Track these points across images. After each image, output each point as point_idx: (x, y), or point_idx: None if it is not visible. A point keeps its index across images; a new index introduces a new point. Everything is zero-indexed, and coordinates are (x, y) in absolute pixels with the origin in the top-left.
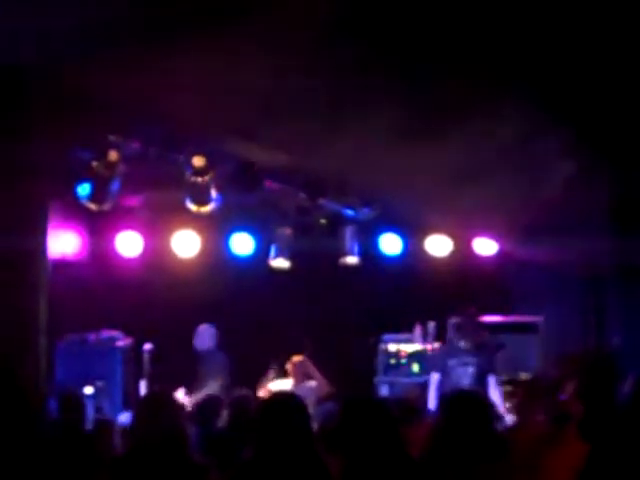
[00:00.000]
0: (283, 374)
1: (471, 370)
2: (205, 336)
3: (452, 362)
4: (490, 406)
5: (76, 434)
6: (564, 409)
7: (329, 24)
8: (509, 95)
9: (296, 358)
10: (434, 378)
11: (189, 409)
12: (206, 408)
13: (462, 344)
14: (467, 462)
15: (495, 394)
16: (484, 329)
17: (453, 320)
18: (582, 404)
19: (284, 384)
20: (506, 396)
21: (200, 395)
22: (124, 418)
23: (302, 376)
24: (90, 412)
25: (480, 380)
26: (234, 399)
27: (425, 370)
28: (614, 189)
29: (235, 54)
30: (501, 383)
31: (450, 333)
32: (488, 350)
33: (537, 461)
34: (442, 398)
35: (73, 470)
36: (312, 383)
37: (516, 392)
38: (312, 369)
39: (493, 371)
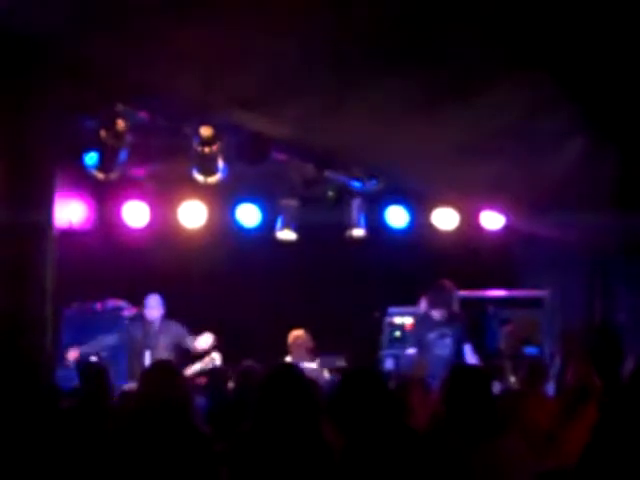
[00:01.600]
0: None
1: (448, 341)
2: (154, 306)
3: (431, 335)
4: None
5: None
6: (574, 384)
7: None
8: (517, 71)
9: (296, 332)
10: (410, 352)
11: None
12: (214, 379)
13: (436, 316)
14: (470, 437)
15: (473, 362)
16: (455, 300)
17: (428, 294)
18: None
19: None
20: (511, 371)
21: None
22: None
23: (302, 351)
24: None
25: (457, 350)
26: (240, 370)
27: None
28: (620, 166)
29: (241, 25)
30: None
31: (425, 306)
32: (461, 320)
33: (552, 438)
34: (448, 372)
35: (90, 439)
36: (313, 364)
37: (521, 367)
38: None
39: (468, 340)
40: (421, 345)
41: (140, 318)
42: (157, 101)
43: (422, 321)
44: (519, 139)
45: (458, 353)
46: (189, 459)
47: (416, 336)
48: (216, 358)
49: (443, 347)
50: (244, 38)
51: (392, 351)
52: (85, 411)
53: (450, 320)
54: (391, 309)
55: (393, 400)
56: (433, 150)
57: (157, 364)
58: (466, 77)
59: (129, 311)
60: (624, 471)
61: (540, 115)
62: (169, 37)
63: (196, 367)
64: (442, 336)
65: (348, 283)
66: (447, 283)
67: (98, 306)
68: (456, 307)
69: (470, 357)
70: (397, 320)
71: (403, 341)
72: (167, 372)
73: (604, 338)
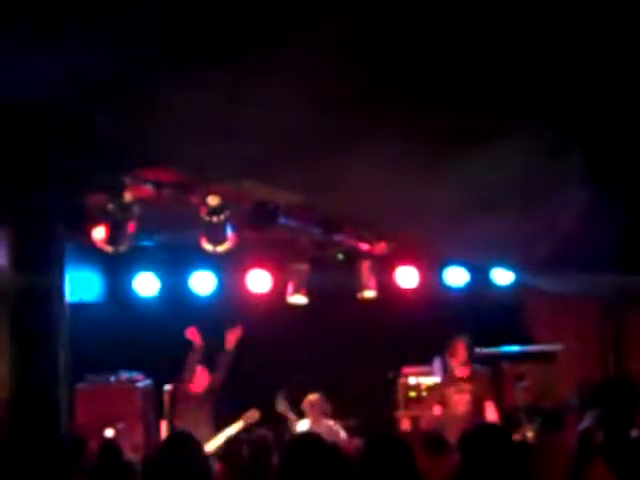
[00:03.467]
0: (300, 414)
1: (467, 397)
2: None
3: (449, 391)
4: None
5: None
6: (587, 439)
7: (341, 60)
8: (522, 124)
9: (312, 397)
10: (436, 410)
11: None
12: (230, 447)
13: (457, 373)
14: None
15: (493, 420)
16: (473, 358)
17: (449, 350)
18: (604, 432)
19: (302, 424)
20: (527, 425)
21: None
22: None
23: (319, 415)
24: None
25: (477, 407)
26: (253, 438)
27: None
28: (630, 219)
29: (244, 94)
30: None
31: (448, 362)
32: (482, 377)
33: None
34: (463, 434)
35: None
36: (330, 422)
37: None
38: (328, 408)
39: (489, 397)
40: (440, 401)
41: (154, 389)
42: (163, 172)
43: (443, 378)
44: (524, 192)
45: (478, 410)
46: None
47: (435, 393)
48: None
49: (460, 403)
50: (248, 107)
51: (408, 412)
52: None
53: (470, 377)
54: (405, 369)
55: (415, 467)
56: (439, 209)
57: (174, 434)
58: (470, 134)
59: (143, 382)
60: None
61: (546, 169)
62: (173, 108)
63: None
64: (460, 392)
65: (361, 345)
66: (464, 338)
67: (112, 377)
68: (475, 364)
69: (491, 415)
70: (411, 380)
71: (418, 401)
72: (184, 442)
73: (619, 388)
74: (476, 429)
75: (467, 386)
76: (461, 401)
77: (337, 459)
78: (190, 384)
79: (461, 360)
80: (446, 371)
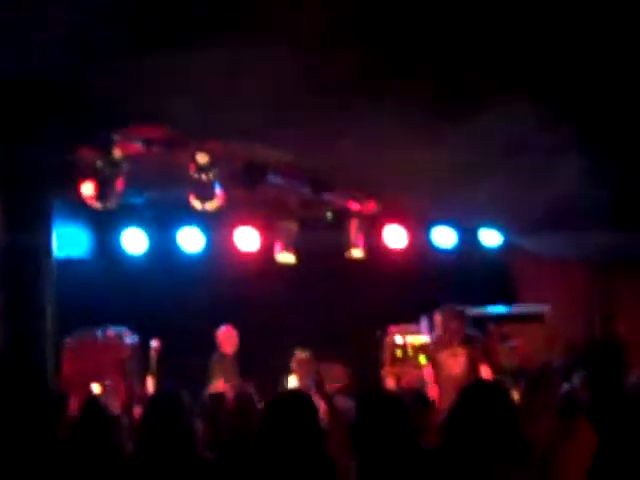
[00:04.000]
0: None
1: (462, 360)
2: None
3: (442, 355)
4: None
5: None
6: (572, 400)
7: (331, 26)
8: (514, 91)
9: (300, 355)
10: (426, 373)
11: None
12: (211, 404)
13: (449, 339)
14: (485, 457)
15: None
16: (468, 322)
17: (436, 318)
18: (590, 394)
19: (290, 381)
20: (514, 387)
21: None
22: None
23: (306, 373)
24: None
25: (472, 369)
26: (236, 394)
27: None
28: (620, 183)
29: (236, 54)
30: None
31: (437, 330)
32: (476, 340)
33: (549, 455)
34: (463, 389)
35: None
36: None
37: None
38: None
39: (484, 361)
40: (431, 363)
41: (141, 344)
42: (153, 129)
43: (435, 340)
44: (516, 157)
45: (474, 373)
46: None
47: (428, 355)
48: None
49: (455, 366)
50: (239, 66)
51: (394, 370)
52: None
53: (464, 341)
54: (392, 328)
55: (409, 423)
56: (430, 170)
57: (160, 393)
58: (463, 97)
59: (130, 338)
60: None
61: (539, 133)
62: (165, 66)
63: None
64: (454, 355)
65: (348, 303)
66: (456, 310)
67: (99, 333)
68: (468, 330)
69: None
70: (398, 339)
71: (404, 360)
72: (170, 401)
73: (605, 351)
74: (477, 383)
75: (461, 350)
76: (456, 364)
77: (316, 417)
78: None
79: (454, 331)
80: (438, 334)
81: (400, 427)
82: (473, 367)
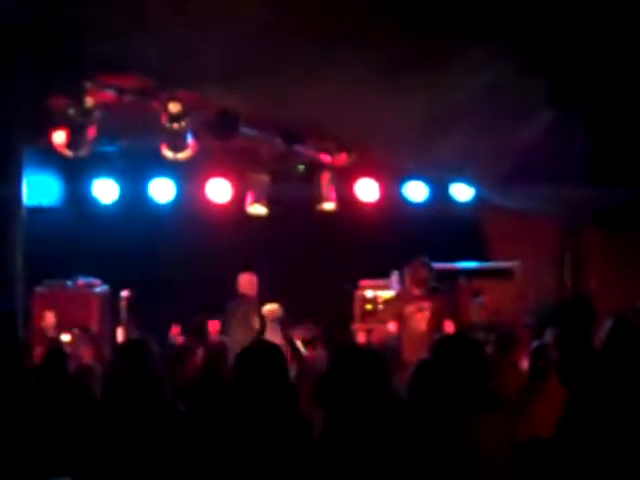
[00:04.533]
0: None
1: (427, 315)
2: None
3: (410, 309)
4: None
5: (60, 381)
6: (542, 356)
7: None
8: (487, 42)
9: (270, 306)
10: (392, 326)
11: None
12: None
13: (416, 292)
14: (454, 408)
15: None
16: (435, 275)
17: (407, 268)
18: (559, 350)
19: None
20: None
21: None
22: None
23: (276, 324)
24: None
25: (437, 324)
26: (209, 345)
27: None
28: (591, 137)
29: (208, 1)
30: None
31: (406, 280)
32: (441, 295)
33: (519, 410)
34: (435, 341)
35: (57, 416)
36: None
37: (492, 339)
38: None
39: (449, 316)
40: (397, 319)
41: (111, 295)
42: (126, 78)
43: (401, 295)
44: (488, 110)
45: (438, 328)
46: (164, 436)
47: (392, 309)
48: None
49: (421, 320)
50: (213, 13)
51: (364, 324)
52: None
53: (429, 295)
54: (362, 282)
55: (383, 376)
56: (402, 123)
57: (129, 341)
58: (433, 49)
59: (100, 288)
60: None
61: (508, 86)
62: (137, 12)
63: None
64: (420, 310)
65: (319, 257)
66: (424, 260)
67: (69, 283)
68: (435, 282)
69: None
70: (368, 294)
71: (374, 314)
72: (139, 348)
73: (576, 308)
74: (452, 336)
75: (427, 304)
76: (422, 319)
77: (285, 368)
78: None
79: (421, 279)
80: (403, 287)
81: (375, 379)
82: (438, 322)
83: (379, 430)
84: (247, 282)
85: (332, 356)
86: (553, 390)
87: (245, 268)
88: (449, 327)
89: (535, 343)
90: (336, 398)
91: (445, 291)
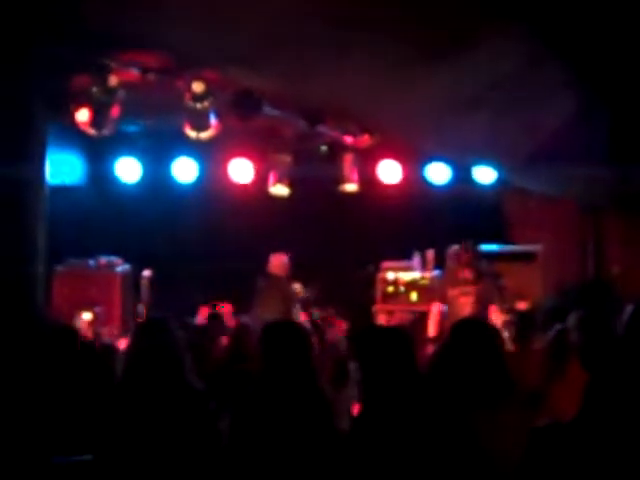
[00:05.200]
0: None
1: (472, 299)
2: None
3: (454, 292)
4: (499, 336)
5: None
6: (562, 340)
7: None
8: (510, 27)
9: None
10: (435, 308)
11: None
12: (201, 336)
13: (462, 275)
14: (470, 396)
15: (497, 323)
16: (482, 259)
17: (452, 251)
18: (582, 334)
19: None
20: (505, 325)
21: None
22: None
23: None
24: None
25: (482, 309)
26: (235, 326)
27: (424, 299)
28: (613, 121)
29: None
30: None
31: (450, 263)
32: (488, 279)
33: (540, 394)
34: (454, 326)
35: (78, 394)
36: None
37: (514, 321)
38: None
39: (493, 300)
40: (441, 301)
41: (133, 274)
42: (149, 56)
43: (446, 276)
44: (512, 93)
45: (482, 313)
46: (183, 415)
47: (436, 291)
48: None
49: (466, 305)
50: None
51: (385, 306)
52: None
53: (476, 279)
54: (384, 264)
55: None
56: (425, 105)
57: (149, 319)
58: (458, 34)
59: (122, 267)
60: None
61: (532, 70)
62: None
63: None
64: (465, 294)
65: (340, 238)
66: (470, 242)
67: (91, 262)
68: (483, 265)
69: (495, 319)
70: (390, 275)
71: (396, 296)
72: (158, 327)
73: (598, 291)
74: (467, 320)
75: (471, 288)
76: (466, 303)
77: (309, 346)
78: None
79: (465, 262)
80: (448, 270)
81: (402, 358)
82: (482, 307)
83: (412, 412)
84: (278, 263)
85: (355, 338)
86: (574, 374)
87: (277, 249)
88: (495, 313)
89: (556, 326)
90: (369, 381)
91: (491, 276)
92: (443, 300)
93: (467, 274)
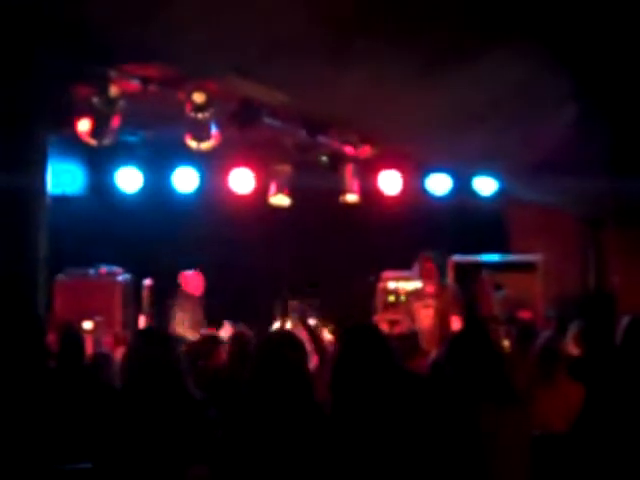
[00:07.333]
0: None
1: (431, 312)
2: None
3: (417, 304)
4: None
5: (76, 367)
6: (550, 348)
7: None
8: (512, 40)
9: (294, 304)
10: (406, 322)
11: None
12: (202, 345)
13: (426, 287)
14: (471, 400)
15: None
16: (445, 271)
17: (415, 265)
18: (581, 345)
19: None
20: (505, 335)
21: None
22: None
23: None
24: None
25: (442, 321)
26: (233, 336)
27: None
28: (613, 133)
29: None
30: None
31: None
32: (447, 292)
33: (527, 400)
34: (451, 337)
35: (73, 402)
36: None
37: (513, 332)
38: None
39: (454, 312)
40: (410, 315)
41: (134, 283)
42: (150, 67)
43: (416, 291)
44: (513, 105)
45: (443, 325)
46: (181, 424)
47: (407, 305)
48: None
49: (426, 318)
50: (239, 3)
51: (386, 315)
52: (66, 374)
53: (436, 291)
54: (385, 274)
55: (391, 354)
56: (426, 116)
57: (147, 328)
58: (462, 45)
59: (123, 276)
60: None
61: (534, 82)
62: (164, 2)
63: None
64: (426, 306)
65: (341, 248)
66: (428, 254)
67: (92, 271)
68: (446, 278)
69: (456, 328)
70: (390, 285)
71: (396, 305)
72: (157, 336)
73: (598, 302)
74: (463, 330)
75: (431, 301)
76: (426, 316)
77: (304, 357)
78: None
79: (426, 275)
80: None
81: (382, 352)
82: (442, 319)
83: (393, 408)
84: (191, 281)
85: (340, 337)
86: (561, 383)
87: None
88: (456, 323)
89: (545, 335)
90: (344, 379)
91: (452, 288)
92: (409, 313)
93: (429, 287)
